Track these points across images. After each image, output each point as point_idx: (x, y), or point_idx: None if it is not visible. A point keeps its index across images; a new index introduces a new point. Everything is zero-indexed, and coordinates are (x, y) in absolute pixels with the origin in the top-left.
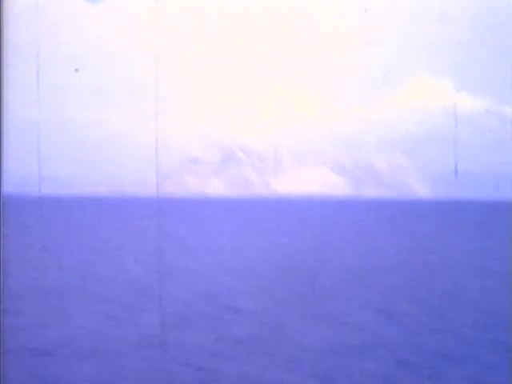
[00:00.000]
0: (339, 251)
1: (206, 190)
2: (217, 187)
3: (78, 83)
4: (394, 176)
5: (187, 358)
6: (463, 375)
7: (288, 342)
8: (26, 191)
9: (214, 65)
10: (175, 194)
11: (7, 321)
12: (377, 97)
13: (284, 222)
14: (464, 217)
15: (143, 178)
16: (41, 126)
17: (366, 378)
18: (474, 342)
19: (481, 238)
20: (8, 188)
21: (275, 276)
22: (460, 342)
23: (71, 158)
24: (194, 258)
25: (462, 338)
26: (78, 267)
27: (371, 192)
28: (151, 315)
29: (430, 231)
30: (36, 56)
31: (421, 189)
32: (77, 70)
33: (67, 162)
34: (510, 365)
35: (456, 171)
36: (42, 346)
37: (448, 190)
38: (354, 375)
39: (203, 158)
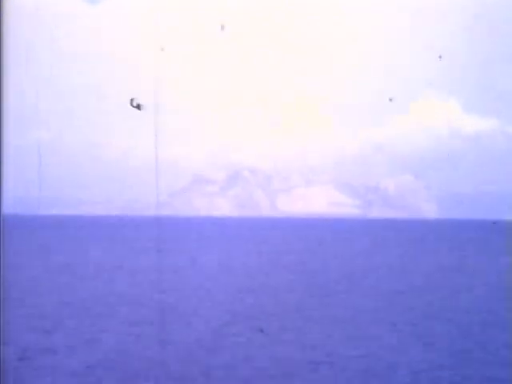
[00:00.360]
0: (349, 270)
1: (212, 210)
2: (223, 206)
3: (77, 101)
4: (401, 196)
5: (220, 379)
6: None
7: (321, 363)
8: (27, 212)
9: (215, 73)
10: (181, 214)
11: (37, 340)
12: (384, 117)
13: (291, 242)
14: (472, 236)
15: (151, 198)
16: (41, 147)
17: None
18: (508, 363)
19: (491, 256)
20: (8, 209)
21: (294, 295)
22: (493, 364)
23: (72, 178)
24: (209, 277)
25: (494, 359)
26: (85, 286)
27: (378, 212)
28: (178, 335)
29: (444, 250)
30: (37, 58)
31: (428, 209)
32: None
33: (68, 182)
34: None
35: (463, 191)
36: (73, 365)
37: (456, 210)
38: None
39: (209, 177)
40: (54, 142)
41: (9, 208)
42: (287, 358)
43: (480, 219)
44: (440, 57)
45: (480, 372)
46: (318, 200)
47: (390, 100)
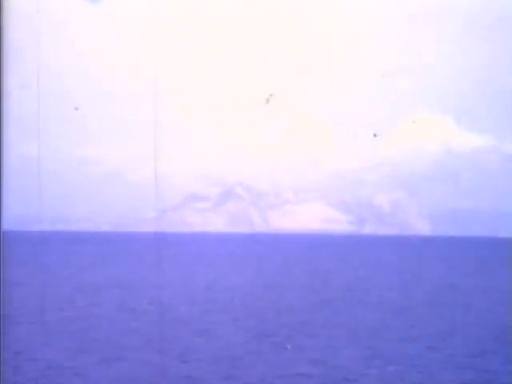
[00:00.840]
0: (348, 287)
1: (206, 226)
2: (216, 223)
3: (77, 118)
4: (394, 213)
5: None
6: None
7: (350, 381)
8: (27, 229)
9: (214, 74)
10: (175, 230)
11: (67, 359)
12: (378, 134)
13: (283, 259)
14: (465, 253)
15: (143, 214)
16: (41, 164)
17: None
18: None
19: (484, 274)
20: (8, 225)
21: (300, 312)
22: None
23: (71, 195)
24: (211, 294)
25: None
26: (87, 302)
27: (372, 229)
28: (199, 352)
29: (433, 268)
30: (36, 59)
31: (421, 226)
32: (76, 108)
33: (67, 199)
34: None
35: (456, 208)
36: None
37: (449, 227)
38: None
39: (203, 194)
40: (50, 155)
41: (9, 225)
42: (313, 375)
43: (474, 236)
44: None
45: None
46: (312, 216)
47: (375, 136)
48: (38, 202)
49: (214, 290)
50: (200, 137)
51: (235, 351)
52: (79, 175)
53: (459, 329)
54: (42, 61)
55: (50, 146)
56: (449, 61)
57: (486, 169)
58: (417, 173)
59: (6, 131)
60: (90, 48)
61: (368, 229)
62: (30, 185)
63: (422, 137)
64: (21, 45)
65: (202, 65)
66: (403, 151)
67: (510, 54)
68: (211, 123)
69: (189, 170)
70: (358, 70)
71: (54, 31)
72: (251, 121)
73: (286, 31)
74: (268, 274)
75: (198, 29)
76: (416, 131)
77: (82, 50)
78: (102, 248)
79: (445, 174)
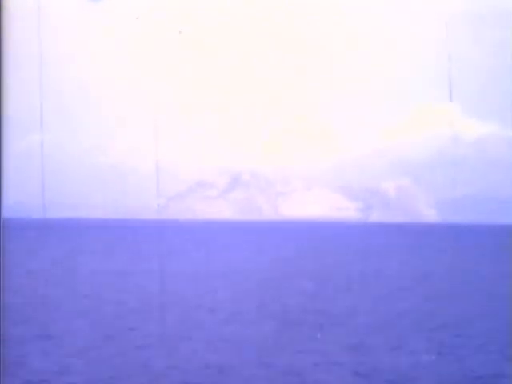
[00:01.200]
0: (352, 276)
1: (213, 214)
2: (224, 211)
3: (80, 102)
4: (400, 200)
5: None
6: None
7: (368, 368)
8: (29, 216)
9: (214, 73)
10: (182, 218)
11: (91, 346)
12: (384, 121)
13: (292, 246)
14: (470, 240)
15: (151, 202)
16: (44, 152)
17: None
18: None
19: (489, 261)
20: (9, 213)
21: (317, 300)
22: None
23: (74, 183)
24: (223, 282)
25: None
26: (90, 292)
27: (378, 216)
28: (225, 341)
29: (439, 255)
30: (36, 58)
31: (428, 213)
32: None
33: (70, 187)
34: None
35: (463, 195)
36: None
37: (455, 214)
38: None
39: (210, 181)
40: (53, 145)
41: (9, 212)
42: (336, 363)
43: (479, 223)
44: None
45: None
46: (319, 203)
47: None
48: (47, 190)
49: (231, 278)
50: (206, 128)
51: (259, 339)
52: (85, 163)
53: (480, 317)
54: (43, 60)
55: (57, 138)
56: (453, 50)
57: (491, 156)
58: (422, 160)
59: (7, 126)
60: (90, 46)
61: (375, 216)
62: (37, 174)
63: (427, 125)
64: (21, 44)
65: (201, 65)
66: (409, 139)
67: None
68: (212, 120)
69: (196, 158)
70: (358, 70)
71: (54, 30)
72: (251, 121)
73: (286, 31)
74: (281, 261)
75: (198, 29)
76: (421, 119)
77: (82, 48)
78: (115, 235)
79: (450, 161)
